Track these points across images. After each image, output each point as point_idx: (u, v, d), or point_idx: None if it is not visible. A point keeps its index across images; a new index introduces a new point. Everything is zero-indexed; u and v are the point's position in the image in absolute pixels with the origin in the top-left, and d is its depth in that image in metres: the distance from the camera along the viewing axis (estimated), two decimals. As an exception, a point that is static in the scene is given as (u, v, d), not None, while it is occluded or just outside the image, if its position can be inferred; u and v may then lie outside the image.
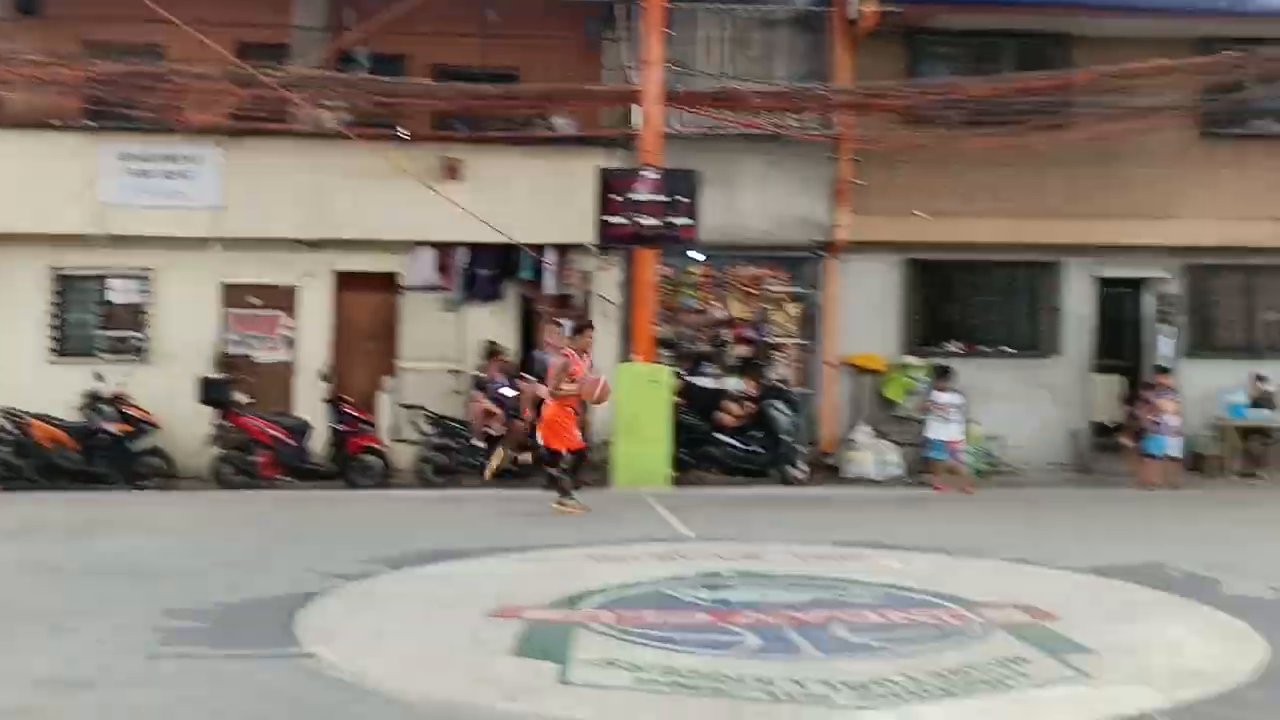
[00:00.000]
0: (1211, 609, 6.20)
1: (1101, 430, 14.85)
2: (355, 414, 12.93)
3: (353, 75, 13.73)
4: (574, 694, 4.54)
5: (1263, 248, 14.60)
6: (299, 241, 13.84)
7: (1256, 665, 5.01)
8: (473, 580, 6.93)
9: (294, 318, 14.09)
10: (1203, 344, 15.11)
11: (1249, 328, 15.31)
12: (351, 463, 12.68)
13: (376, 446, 12.88)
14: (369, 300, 14.31)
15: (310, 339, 14.03)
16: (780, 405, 13.19)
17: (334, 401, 12.99)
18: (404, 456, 13.05)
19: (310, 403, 13.41)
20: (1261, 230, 14.48)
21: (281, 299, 14.06)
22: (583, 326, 10.83)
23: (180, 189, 13.67)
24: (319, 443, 13.07)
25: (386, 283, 14.19)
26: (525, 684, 4.66)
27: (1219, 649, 5.36)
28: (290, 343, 14.06)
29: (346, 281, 14.15)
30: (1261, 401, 13.98)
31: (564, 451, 10.37)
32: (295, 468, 12.65)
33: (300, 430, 12.85)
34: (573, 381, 10.20)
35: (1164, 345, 14.93)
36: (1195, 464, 13.99)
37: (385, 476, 12.68)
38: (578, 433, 10.50)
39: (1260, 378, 14.08)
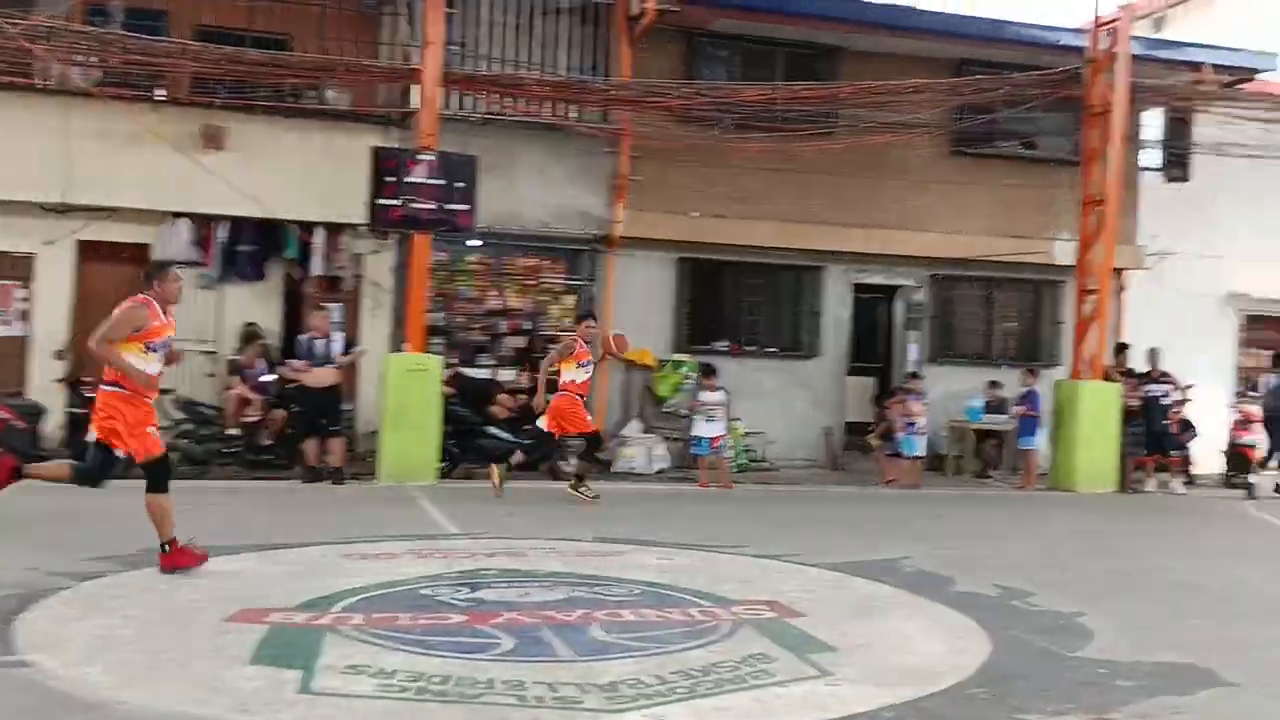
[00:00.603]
0: (943, 606, 6.59)
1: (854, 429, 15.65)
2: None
3: (104, 30, 12.76)
4: (313, 703, 4.35)
5: (1003, 261, 15.72)
6: (39, 205, 12.79)
7: (980, 662, 5.35)
8: (216, 580, 6.56)
9: (31, 289, 13.03)
10: (945, 350, 16.15)
11: (987, 336, 16.49)
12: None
13: (120, 432, 12.01)
14: (117, 273, 13.32)
15: (49, 313, 13.01)
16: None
17: (72, 383, 12.05)
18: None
19: (46, 383, 12.42)
20: (1002, 245, 15.58)
21: (17, 268, 12.98)
22: (581, 317, 11.33)
23: (-99, 142, 12.41)
24: (54, 427, 12.11)
25: (137, 255, 13.27)
26: (261, 694, 4.44)
27: (947, 646, 5.70)
28: (26, 316, 12.99)
29: (92, 251, 13.18)
30: (996, 406, 15.05)
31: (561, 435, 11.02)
32: (25, 454, 11.63)
33: (33, 413, 11.83)
34: (580, 366, 10.74)
35: (912, 350, 15.88)
36: (934, 464, 14.94)
37: (128, 465, 11.82)
38: (589, 416, 11.10)
39: (995, 384, 15.17)
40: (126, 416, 6.74)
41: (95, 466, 6.97)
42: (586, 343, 11.00)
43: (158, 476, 6.77)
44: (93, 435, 6.96)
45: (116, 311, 6.81)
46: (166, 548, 6.68)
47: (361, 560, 7.33)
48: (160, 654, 4.99)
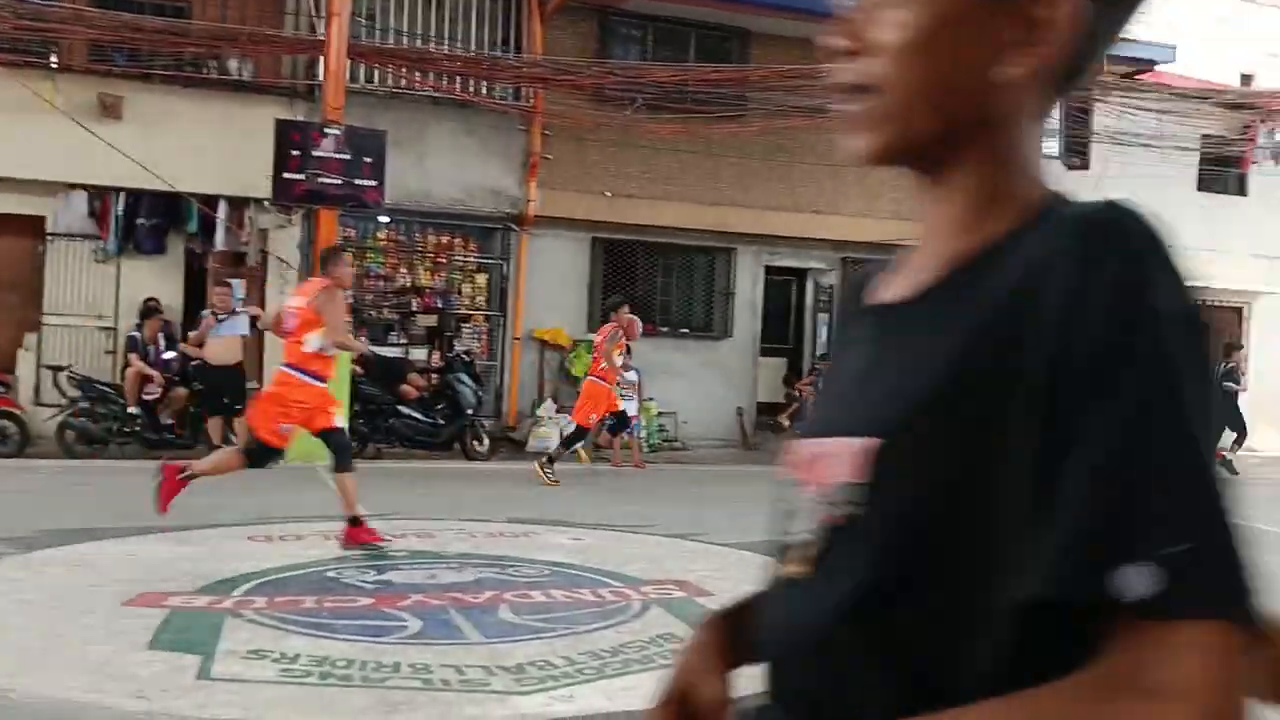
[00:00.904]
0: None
1: (765, 409, 15.83)
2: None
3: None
4: (212, 689, 4.27)
5: (910, 245, 15.95)
6: (-77, 176, 12.25)
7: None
8: (113, 563, 6.39)
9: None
10: (853, 332, 16.39)
11: (894, 319, 16.77)
12: (-20, 428, 11.39)
13: (12, 410, 11.62)
14: (9, 246, 12.88)
15: (-66, 287, 12.48)
16: (465, 378, 13.09)
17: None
18: (46, 422, 11.85)
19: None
20: (909, 229, 15.82)
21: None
22: (615, 307, 11.34)
23: None
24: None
25: (30, 227, 12.82)
26: (159, 679, 4.33)
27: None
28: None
29: (-18, 224, 12.67)
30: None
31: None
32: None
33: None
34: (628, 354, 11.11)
35: (823, 333, 16.09)
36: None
37: (22, 444, 11.46)
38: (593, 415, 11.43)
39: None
40: (293, 399, 6.81)
41: (342, 445, 7.07)
42: (622, 330, 11.26)
43: (257, 457, 6.82)
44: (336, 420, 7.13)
45: (319, 301, 6.77)
46: (184, 474, 6.61)
47: (266, 542, 7.20)
48: (53, 639, 4.84)
